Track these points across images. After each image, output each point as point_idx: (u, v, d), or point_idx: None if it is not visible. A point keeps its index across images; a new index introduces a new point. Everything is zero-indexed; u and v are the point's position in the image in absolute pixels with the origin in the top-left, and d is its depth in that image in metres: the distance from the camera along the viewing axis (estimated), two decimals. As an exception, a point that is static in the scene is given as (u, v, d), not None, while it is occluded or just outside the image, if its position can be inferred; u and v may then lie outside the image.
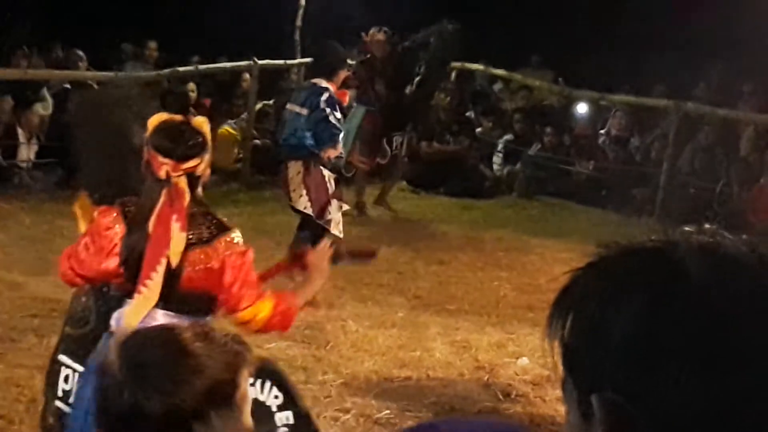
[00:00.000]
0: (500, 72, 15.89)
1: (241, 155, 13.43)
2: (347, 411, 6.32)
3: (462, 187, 13.61)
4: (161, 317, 3.95)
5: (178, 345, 2.14)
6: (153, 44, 15.24)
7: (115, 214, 4.07)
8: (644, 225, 12.18)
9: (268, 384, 3.97)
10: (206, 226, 4.08)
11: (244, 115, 13.62)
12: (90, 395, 3.34)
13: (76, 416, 3.98)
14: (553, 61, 16.91)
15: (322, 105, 8.31)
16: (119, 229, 4.04)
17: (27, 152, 11.97)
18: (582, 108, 15.47)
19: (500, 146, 14.58)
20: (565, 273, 1.39)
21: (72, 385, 4.29)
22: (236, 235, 4.14)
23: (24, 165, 11.95)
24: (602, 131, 14.83)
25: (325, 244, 4.55)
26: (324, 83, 8.54)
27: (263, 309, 4.08)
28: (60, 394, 4.36)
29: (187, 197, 4.02)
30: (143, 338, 2.20)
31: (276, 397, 4.04)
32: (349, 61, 8.88)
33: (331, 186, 8.48)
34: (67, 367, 4.36)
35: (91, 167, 4.85)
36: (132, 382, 2.09)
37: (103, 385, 2.14)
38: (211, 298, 4.08)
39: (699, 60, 14.48)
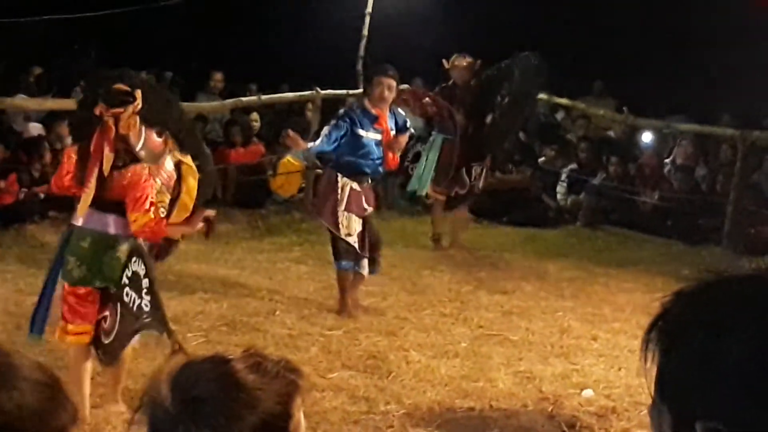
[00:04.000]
0: (563, 101, 15.81)
1: (303, 185, 13.47)
2: (410, 442, 6.29)
3: (525, 217, 13.54)
4: (95, 214, 6.05)
5: (232, 378, 2.10)
6: (219, 75, 15.35)
7: (72, 151, 6.28)
8: (711, 255, 12.06)
9: (140, 260, 5.99)
10: (123, 157, 6.02)
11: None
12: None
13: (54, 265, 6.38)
14: (615, 89, 16.83)
15: (334, 119, 8.93)
16: (74, 159, 6.17)
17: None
18: (647, 137, 15.37)
19: (564, 175, 14.50)
20: (661, 298, 1.36)
21: None
22: (143, 166, 6.00)
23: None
24: (667, 160, 14.70)
25: (207, 213, 6.44)
26: (365, 102, 8.96)
27: (142, 219, 5.92)
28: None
29: (113, 132, 5.94)
30: (195, 371, 2.14)
31: (142, 268, 5.97)
32: (386, 79, 8.90)
33: (343, 194, 8.71)
34: None
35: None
36: (185, 417, 2.05)
37: (154, 419, 2.11)
38: (124, 203, 5.98)
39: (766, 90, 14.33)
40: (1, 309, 8.38)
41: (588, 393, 7.19)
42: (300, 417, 2.18)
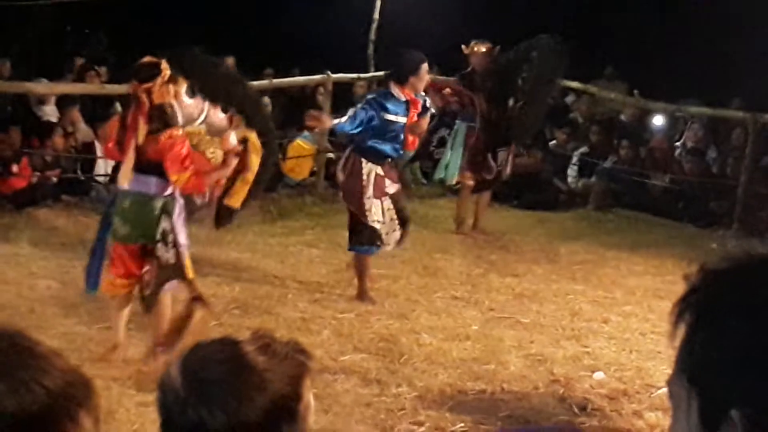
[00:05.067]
0: (575, 84, 15.76)
1: (315, 168, 13.49)
2: (421, 424, 6.31)
3: (536, 200, 13.55)
4: (137, 176, 6.60)
5: (241, 360, 2.11)
6: (230, 60, 15.33)
7: (116, 120, 6.92)
8: (721, 238, 12.05)
9: (168, 218, 6.59)
10: (157, 123, 6.52)
11: (317, 129, 13.65)
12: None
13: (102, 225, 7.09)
14: (626, 73, 16.78)
15: (362, 102, 8.86)
16: (116, 128, 6.74)
17: (105, 166, 12.11)
18: (658, 120, 15.34)
19: (575, 159, 14.49)
20: (672, 281, 1.34)
21: None
22: (176, 131, 6.52)
23: (102, 179, 12.09)
24: (678, 143, 14.68)
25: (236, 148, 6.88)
26: (394, 88, 8.76)
27: (183, 177, 6.50)
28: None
29: (146, 105, 6.49)
30: (205, 354, 2.16)
31: (169, 225, 6.61)
32: (427, 65, 8.87)
33: (369, 180, 8.65)
34: None
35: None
36: (195, 399, 2.07)
37: (165, 402, 2.11)
38: (163, 165, 6.51)
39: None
40: (14, 292, 8.42)
41: (599, 375, 7.21)
42: (309, 398, 2.18)
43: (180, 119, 6.64)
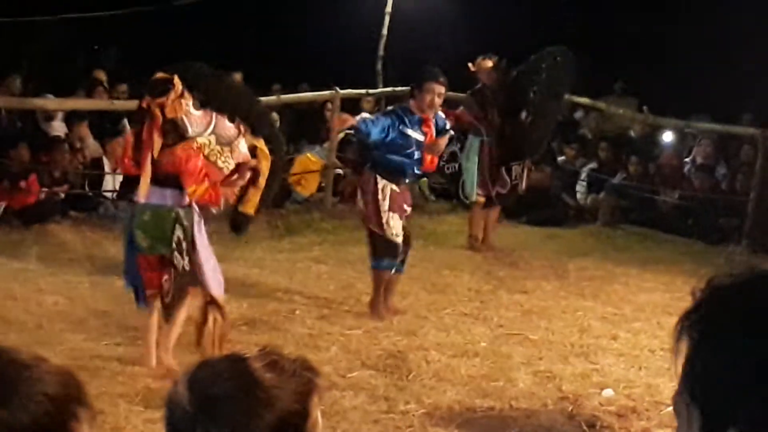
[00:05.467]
0: (584, 100, 15.76)
1: (323, 184, 13.48)
2: (430, 441, 6.29)
3: (545, 216, 13.51)
4: (153, 189, 6.78)
5: (249, 377, 2.09)
6: (238, 75, 15.35)
7: (130, 136, 7.16)
8: (731, 255, 12.02)
9: (181, 226, 6.78)
10: (171, 137, 6.77)
11: (325, 144, 13.67)
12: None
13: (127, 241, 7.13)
14: (636, 88, 16.78)
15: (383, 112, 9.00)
16: (131, 143, 6.96)
17: (113, 182, 12.13)
18: (667, 136, 15.34)
19: (583, 175, 14.48)
20: (682, 296, 1.32)
21: None
22: (190, 142, 6.75)
23: (109, 195, 12.09)
24: (687, 159, 14.67)
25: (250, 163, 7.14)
26: (410, 102, 8.80)
27: (200, 189, 6.77)
28: None
29: (160, 119, 6.68)
30: (212, 370, 2.14)
31: (182, 233, 6.78)
32: (438, 85, 8.83)
33: (384, 194, 8.60)
34: None
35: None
36: (203, 416, 2.05)
37: (173, 418, 2.09)
38: (179, 177, 6.76)
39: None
40: (22, 308, 8.42)
41: (608, 392, 7.18)
42: (317, 416, 2.17)
43: (190, 131, 6.77)
